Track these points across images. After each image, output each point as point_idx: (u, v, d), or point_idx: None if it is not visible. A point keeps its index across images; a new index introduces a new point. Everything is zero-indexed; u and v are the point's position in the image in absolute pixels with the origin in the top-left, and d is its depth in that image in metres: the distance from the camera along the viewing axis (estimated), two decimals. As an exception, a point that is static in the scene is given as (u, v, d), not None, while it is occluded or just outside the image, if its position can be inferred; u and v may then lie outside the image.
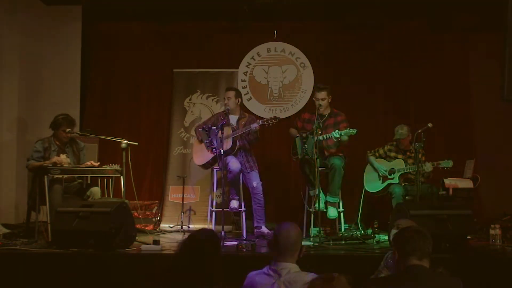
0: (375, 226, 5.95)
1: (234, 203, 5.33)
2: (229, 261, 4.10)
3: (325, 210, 5.36)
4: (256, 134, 5.35)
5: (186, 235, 3.90)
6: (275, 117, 5.21)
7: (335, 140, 5.26)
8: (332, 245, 4.67)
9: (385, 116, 6.63)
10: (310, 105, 6.08)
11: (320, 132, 5.23)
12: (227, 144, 5.20)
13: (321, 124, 5.37)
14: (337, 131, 5.20)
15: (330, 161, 5.36)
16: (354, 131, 5.15)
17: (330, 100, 5.47)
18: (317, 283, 2.11)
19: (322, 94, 5.41)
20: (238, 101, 5.56)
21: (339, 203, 5.45)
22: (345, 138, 5.23)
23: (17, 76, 6.07)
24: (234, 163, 5.21)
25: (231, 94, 5.51)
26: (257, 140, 5.48)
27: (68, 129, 5.09)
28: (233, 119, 5.48)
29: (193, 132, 6.33)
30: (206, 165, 5.49)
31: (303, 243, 4.82)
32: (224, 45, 6.82)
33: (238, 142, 5.36)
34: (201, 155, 5.44)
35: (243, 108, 5.88)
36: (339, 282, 2.06)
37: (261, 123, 5.20)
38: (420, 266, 2.48)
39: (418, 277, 2.45)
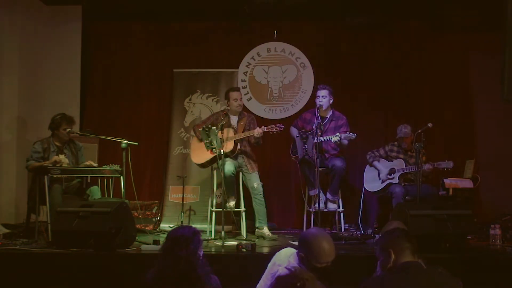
0: (375, 226, 5.96)
1: (230, 203, 5.29)
2: (229, 261, 4.12)
3: (325, 209, 5.37)
4: (259, 139, 5.32)
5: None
6: (280, 126, 5.12)
7: (334, 143, 5.28)
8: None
9: (385, 116, 6.63)
10: (310, 105, 6.08)
11: (320, 134, 5.24)
12: (228, 147, 5.18)
13: (322, 127, 5.37)
14: (337, 134, 5.21)
15: (331, 162, 5.37)
16: (353, 136, 5.16)
17: (331, 101, 5.47)
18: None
19: (322, 92, 5.43)
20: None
21: (338, 201, 5.46)
22: (344, 142, 5.24)
23: (17, 76, 6.07)
24: (226, 166, 5.11)
25: (239, 95, 5.47)
26: (259, 145, 5.45)
27: (68, 129, 5.10)
28: (233, 119, 5.47)
29: (193, 132, 6.33)
30: (204, 165, 5.48)
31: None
32: (224, 45, 6.81)
33: (239, 145, 5.34)
34: (199, 153, 5.42)
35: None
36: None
37: (265, 129, 5.14)
38: (416, 263, 2.49)
39: (417, 274, 2.44)
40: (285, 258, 2.84)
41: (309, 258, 2.71)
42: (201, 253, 2.81)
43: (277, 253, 2.93)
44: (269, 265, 2.91)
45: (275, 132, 5.14)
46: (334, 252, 2.76)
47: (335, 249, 2.78)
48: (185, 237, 2.73)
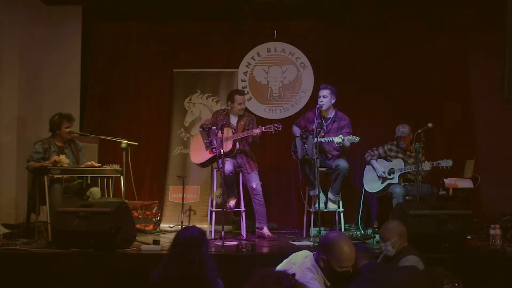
0: (375, 226, 5.96)
1: (230, 203, 5.28)
2: (229, 261, 4.12)
3: (325, 209, 5.37)
4: (256, 138, 5.32)
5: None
6: (278, 125, 5.09)
7: (336, 145, 5.27)
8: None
9: (385, 116, 6.62)
10: (310, 105, 6.08)
11: (323, 135, 5.23)
12: (227, 146, 5.18)
13: (324, 127, 5.37)
14: (340, 136, 5.19)
15: (335, 162, 5.35)
16: (357, 139, 5.12)
17: (333, 102, 5.46)
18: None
19: (324, 92, 5.42)
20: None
21: (339, 201, 5.46)
22: (347, 144, 5.22)
23: (17, 76, 6.07)
24: (225, 165, 5.09)
25: (243, 99, 5.45)
26: (256, 145, 5.46)
27: (69, 128, 5.11)
28: (233, 119, 5.46)
29: (193, 132, 6.34)
30: (204, 164, 5.47)
31: (303, 243, 4.84)
32: (224, 45, 6.81)
33: (237, 145, 5.34)
34: (199, 153, 5.42)
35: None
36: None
37: (263, 129, 5.13)
38: (369, 262, 2.84)
39: (365, 269, 2.75)
40: (301, 259, 2.84)
41: (332, 262, 2.70)
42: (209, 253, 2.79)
43: (294, 253, 2.94)
44: (284, 262, 2.91)
45: (273, 132, 5.13)
46: (354, 257, 2.76)
47: (355, 253, 2.78)
48: (195, 239, 2.67)
